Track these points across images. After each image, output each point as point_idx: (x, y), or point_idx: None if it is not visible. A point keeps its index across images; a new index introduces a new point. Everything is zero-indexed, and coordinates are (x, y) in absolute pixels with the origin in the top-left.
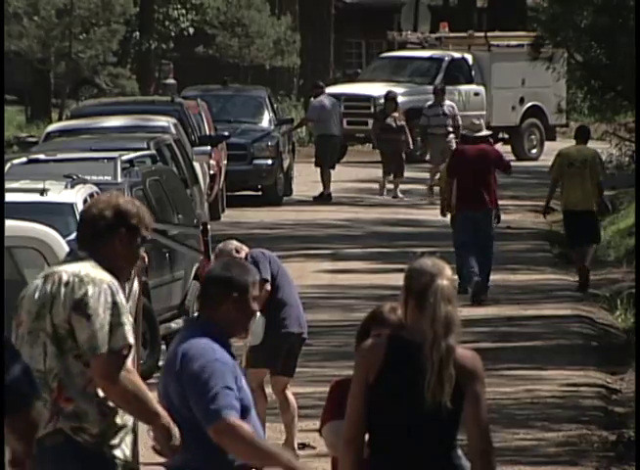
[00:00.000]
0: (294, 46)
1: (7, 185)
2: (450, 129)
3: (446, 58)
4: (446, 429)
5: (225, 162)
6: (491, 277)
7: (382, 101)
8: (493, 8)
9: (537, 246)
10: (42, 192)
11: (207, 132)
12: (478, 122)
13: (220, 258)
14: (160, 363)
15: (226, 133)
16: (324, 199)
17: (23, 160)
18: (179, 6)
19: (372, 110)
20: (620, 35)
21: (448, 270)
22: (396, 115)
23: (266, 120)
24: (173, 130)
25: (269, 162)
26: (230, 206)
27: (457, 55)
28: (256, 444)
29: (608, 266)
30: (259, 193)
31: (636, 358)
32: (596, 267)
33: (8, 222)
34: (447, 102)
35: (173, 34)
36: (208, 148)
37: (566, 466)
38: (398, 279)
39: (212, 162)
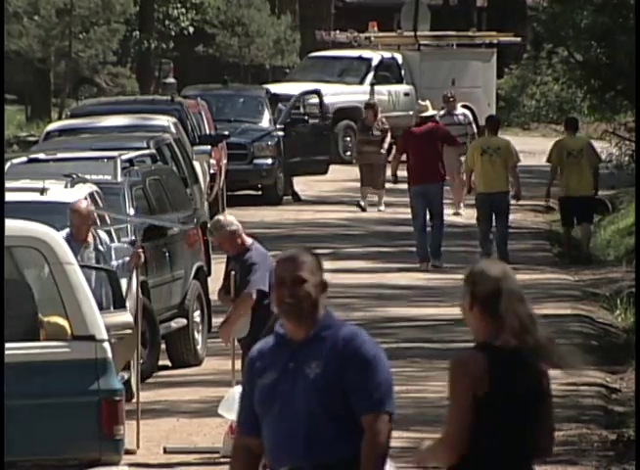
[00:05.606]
0: (293, 45)
1: (7, 184)
2: (467, 139)
3: (376, 57)
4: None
5: (225, 161)
6: None
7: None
8: (493, 7)
9: (537, 245)
10: (42, 191)
11: (207, 132)
12: (424, 104)
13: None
14: (160, 362)
15: (226, 133)
16: (294, 198)
17: (23, 159)
18: (179, 5)
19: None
20: (620, 34)
21: (510, 270)
22: (377, 124)
23: (266, 120)
24: (173, 130)
25: (269, 161)
26: (230, 205)
27: (387, 55)
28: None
29: (607, 266)
30: (259, 193)
31: (636, 358)
32: (596, 267)
33: (8, 222)
34: (460, 109)
35: (173, 34)
36: (208, 147)
37: (566, 465)
38: (398, 278)
39: (212, 161)
